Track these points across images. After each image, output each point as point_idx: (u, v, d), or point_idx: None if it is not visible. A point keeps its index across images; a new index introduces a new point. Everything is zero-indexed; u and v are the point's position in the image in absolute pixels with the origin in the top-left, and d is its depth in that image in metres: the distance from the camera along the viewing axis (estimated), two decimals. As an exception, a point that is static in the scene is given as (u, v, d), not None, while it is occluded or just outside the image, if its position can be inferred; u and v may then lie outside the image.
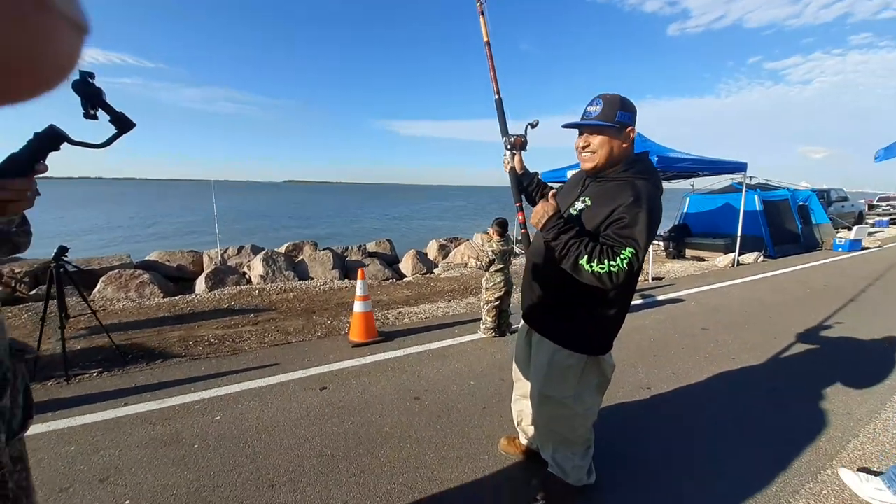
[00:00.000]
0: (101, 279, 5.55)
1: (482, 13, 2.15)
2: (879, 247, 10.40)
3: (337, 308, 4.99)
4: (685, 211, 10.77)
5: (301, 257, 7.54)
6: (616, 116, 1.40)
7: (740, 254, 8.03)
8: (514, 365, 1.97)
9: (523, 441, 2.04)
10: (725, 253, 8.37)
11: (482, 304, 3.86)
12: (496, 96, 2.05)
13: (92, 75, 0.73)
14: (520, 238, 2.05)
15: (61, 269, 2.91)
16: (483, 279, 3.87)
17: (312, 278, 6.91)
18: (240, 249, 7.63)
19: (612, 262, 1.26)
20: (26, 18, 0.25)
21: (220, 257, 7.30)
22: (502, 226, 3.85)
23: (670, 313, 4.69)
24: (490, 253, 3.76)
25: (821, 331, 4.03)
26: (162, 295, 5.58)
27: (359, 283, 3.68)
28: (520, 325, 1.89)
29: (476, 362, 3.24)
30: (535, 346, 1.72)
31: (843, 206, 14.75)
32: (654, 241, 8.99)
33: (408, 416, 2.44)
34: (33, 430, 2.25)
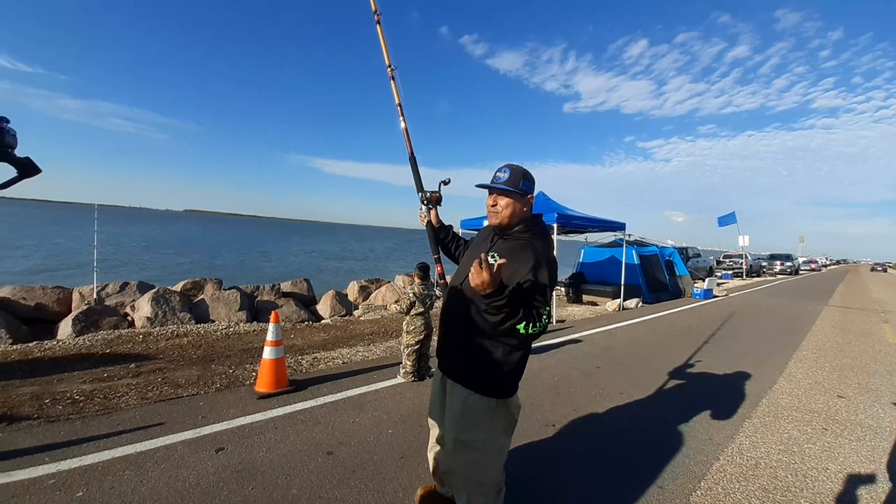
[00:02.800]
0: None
1: (393, 78, 2.40)
2: (726, 295, 12.85)
3: (241, 355, 4.55)
4: (581, 261, 12.31)
5: (201, 297, 6.79)
6: (520, 184, 1.67)
7: (624, 299, 9.31)
8: (430, 411, 2.02)
9: (440, 489, 2.05)
10: (613, 298, 9.62)
11: (402, 347, 3.87)
12: (409, 154, 2.26)
13: (6, 120, 0.70)
14: (439, 284, 2.19)
15: None
16: (404, 322, 3.90)
17: (214, 321, 6.23)
18: (123, 286, 6.62)
19: (539, 323, 1.46)
20: None
21: (95, 295, 6.22)
22: (424, 270, 3.99)
23: (571, 353, 5.17)
24: (411, 296, 3.85)
25: (687, 367, 4.79)
26: (11, 341, 4.57)
27: (271, 326, 3.45)
28: (435, 371, 1.97)
29: (395, 409, 3.20)
30: (449, 391, 1.80)
31: (698, 261, 18.14)
32: (557, 287, 10.09)
33: (319, 474, 2.30)
34: None
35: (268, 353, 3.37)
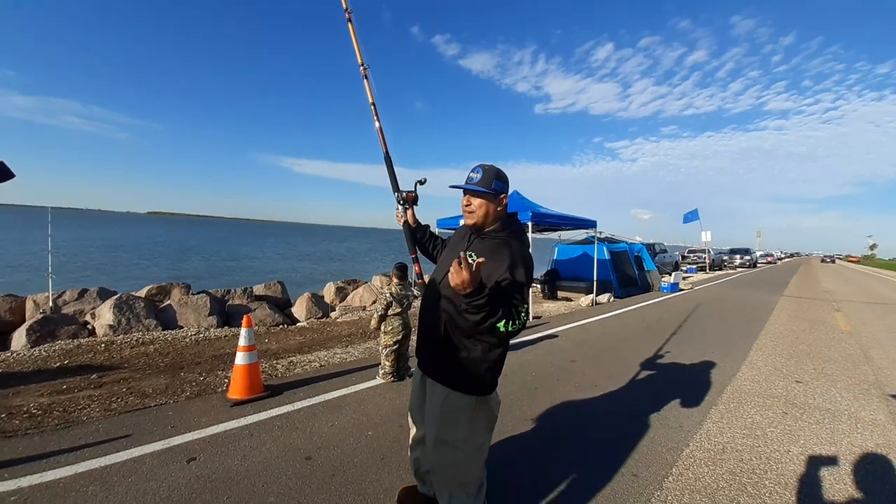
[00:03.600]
0: None
1: (366, 77, 2.38)
2: (691, 288, 13.47)
3: (213, 361, 4.39)
4: (554, 258, 12.61)
5: (168, 302, 6.50)
6: (493, 185, 1.69)
7: (597, 295, 9.61)
8: (410, 410, 2.02)
9: (421, 489, 2.05)
10: (587, 294, 9.88)
11: (381, 348, 3.84)
12: (384, 153, 2.25)
13: None
14: (416, 283, 2.20)
15: None
16: (382, 323, 3.87)
17: (182, 327, 5.98)
18: (81, 293, 6.25)
19: (518, 320, 1.48)
20: None
21: (51, 303, 5.85)
22: (402, 270, 3.97)
23: (547, 348, 5.28)
24: (388, 296, 3.82)
25: (657, 358, 4.98)
26: (-47, 355, 4.21)
27: (243, 331, 3.34)
28: (414, 370, 1.97)
29: (374, 410, 3.17)
30: (429, 390, 1.81)
31: (664, 257, 18.91)
32: (533, 284, 10.30)
33: (297, 479, 2.25)
34: None
35: (240, 358, 3.27)
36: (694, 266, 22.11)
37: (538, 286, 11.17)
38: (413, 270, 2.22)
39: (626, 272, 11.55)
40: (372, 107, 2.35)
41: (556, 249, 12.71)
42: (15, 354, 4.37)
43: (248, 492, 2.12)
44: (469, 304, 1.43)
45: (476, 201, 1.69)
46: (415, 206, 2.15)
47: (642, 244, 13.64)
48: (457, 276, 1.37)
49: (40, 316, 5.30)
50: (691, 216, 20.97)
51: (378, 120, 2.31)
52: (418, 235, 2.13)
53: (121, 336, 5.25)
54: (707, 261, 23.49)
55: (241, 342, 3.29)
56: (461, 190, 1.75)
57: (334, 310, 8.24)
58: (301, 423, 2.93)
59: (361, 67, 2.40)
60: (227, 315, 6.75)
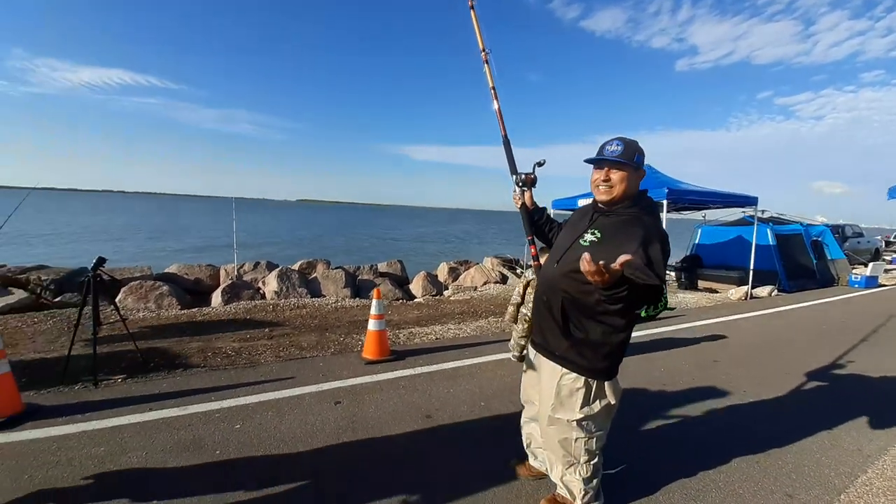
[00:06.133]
0: (123, 290, 5.76)
1: (487, 62, 2.38)
2: (896, 285, 10.24)
3: (349, 326, 5.10)
4: (696, 242, 10.75)
5: (314, 275, 7.72)
6: (634, 157, 1.58)
7: (753, 287, 7.98)
8: (523, 387, 2.04)
9: (533, 463, 2.08)
10: (738, 285, 8.30)
11: (520, 317, 3.57)
12: (503, 136, 2.24)
13: None
14: (532, 266, 2.18)
15: (98, 279, 3.10)
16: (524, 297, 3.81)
17: (325, 296, 7.06)
18: (255, 265, 7.84)
19: (659, 303, 1.40)
20: None
21: (236, 272, 7.50)
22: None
23: (681, 344, 4.67)
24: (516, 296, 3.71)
25: (833, 368, 4.00)
26: (179, 307, 5.76)
27: (374, 302, 3.79)
28: (529, 350, 1.97)
29: (486, 384, 3.30)
30: (544, 369, 1.80)
31: (858, 242, 14.61)
32: (667, 272, 9.18)
33: (421, 433, 2.51)
34: (65, 430, 2.38)
35: (372, 325, 3.73)
36: (902, 256, 16.69)
37: (672, 274, 9.81)
38: (529, 252, 2.21)
39: (797, 260, 9.23)
40: (492, 91, 2.37)
41: (699, 232, 10.85)
42: (214, 309, 5.77)
43: (383, 436, 2.46)
44: (609, 297, 1.36)
45: (616, 175, 1.59)
46: (533, 188, 2.13)
47: (825, 226, 10.79)
48: (597, 275, 1.22)
49: (229, 282, 6.86)
50: (897, 190, 15.68)
51: (497, 103, 2.32)
52: (535, 218, 2.11)
53: (282, 300, 6.47)
54: (924, 250, 17.48)
55: (373, 311, 3.74)
56: (592, 165, 1.67)
57: (447, 288, 8.70)
58: (422, 385, 3.23)
59: (483, 53, 2.42)
60: (358, 288, 7.70)
